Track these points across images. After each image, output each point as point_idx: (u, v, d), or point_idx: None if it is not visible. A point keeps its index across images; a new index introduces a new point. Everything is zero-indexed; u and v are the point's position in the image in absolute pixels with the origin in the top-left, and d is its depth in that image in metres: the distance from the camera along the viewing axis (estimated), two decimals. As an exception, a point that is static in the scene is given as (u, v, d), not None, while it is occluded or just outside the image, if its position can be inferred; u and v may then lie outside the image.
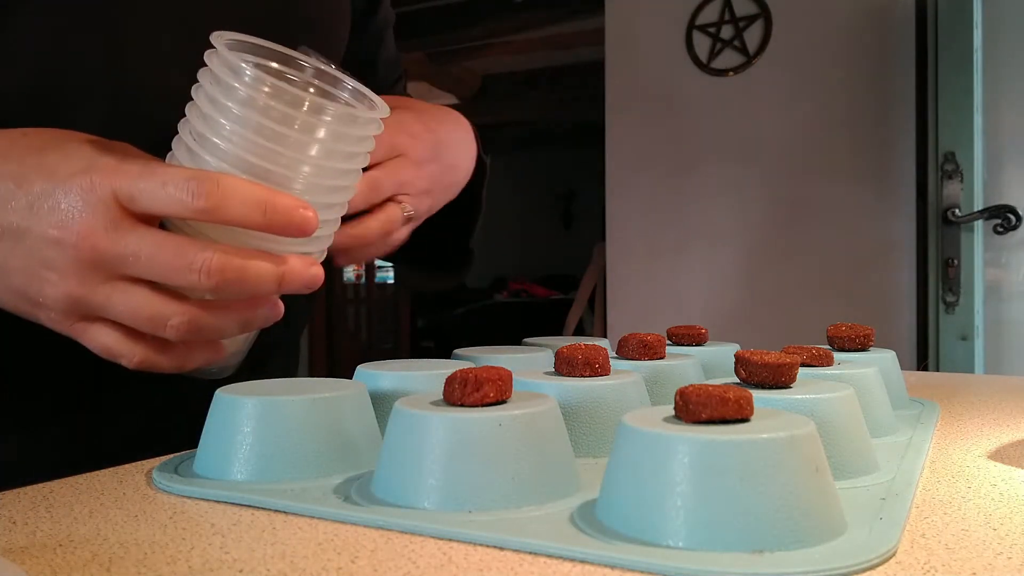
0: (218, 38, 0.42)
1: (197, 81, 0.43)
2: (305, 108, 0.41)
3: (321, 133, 0.42)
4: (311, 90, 0.46)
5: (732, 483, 0.30)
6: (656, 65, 2.43)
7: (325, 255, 0.47)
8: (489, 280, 7.15)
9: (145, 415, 0.57)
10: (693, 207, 2.40)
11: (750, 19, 2.30)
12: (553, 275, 6.86)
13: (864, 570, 0.28)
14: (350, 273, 4.90)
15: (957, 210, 1.95)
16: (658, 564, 0.28)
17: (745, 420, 0.33)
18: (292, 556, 0.31)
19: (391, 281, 4.88)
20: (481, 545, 0.32)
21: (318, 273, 0.44)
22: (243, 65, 0.41)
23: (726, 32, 2.33)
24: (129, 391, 0.56)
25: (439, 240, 0.69)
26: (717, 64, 2.34)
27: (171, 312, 0.41)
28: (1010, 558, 0.29)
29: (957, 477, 0.41)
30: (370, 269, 4.41)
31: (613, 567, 0.29)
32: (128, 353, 0.43)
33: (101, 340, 0.43)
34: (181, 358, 0.44)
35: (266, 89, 0.41)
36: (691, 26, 2.37)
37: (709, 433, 0.31)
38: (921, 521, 0.34)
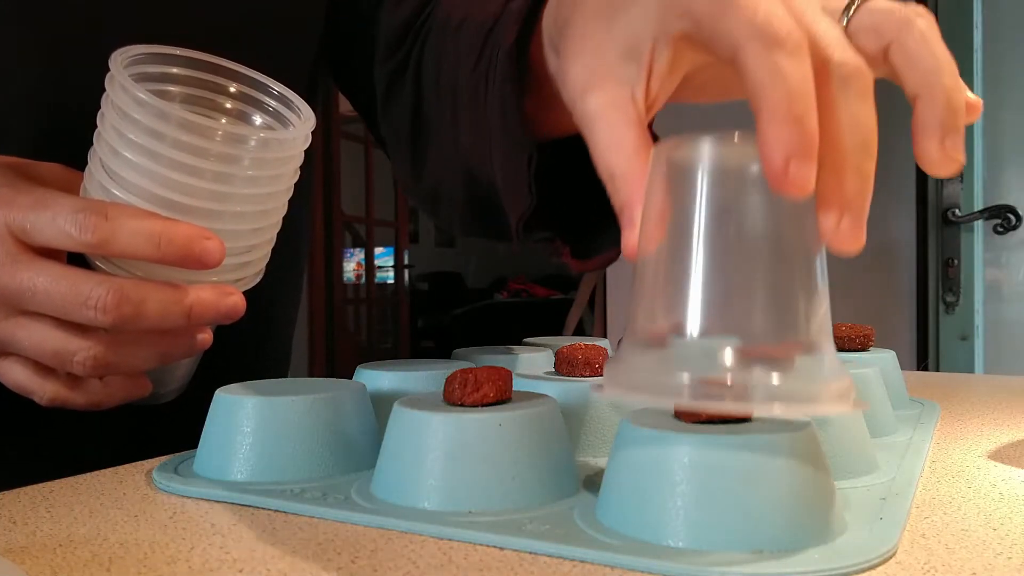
0: (120, 58, 0.40)
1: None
2: (219, 138, 0.39)
3: (241, 163, 0.40)
4: (228, 106, 0.44)
5: (732, 483, 0.30)
6: (656, 65, 2.43)
7: (257, 280, 0.45)
8: (489, 280, 7.15)
9: (144, 415, 0.57)
10: (693, 207, 2.40)
11: (750, 19, 2.30)
12: (553, 275, 6.86)
13: (864, 570, 0.28)
14: (350, 273, 4.90)
15: (957, 210, 1.95)
16: (658, 564, 0.28)
17: (745, 420, 0.33)
18: (292, 556, 0.31)
19: (391, 281, 4.88)
20: (481, 545, 0.32)
21: (236, 303, 0.41)
22: (145, 98, 0.38)
23: (726, 32, 2.32)
24: None
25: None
26: (717, 64, 2.33)
27: (76, 347, 0.40)
28: (1010, 558, 0.29)
29: (957, 477, 0.41)
30: (370, 269, 4.41)
31: (613, 567, 0.29)
32: (38, 390, 0.42)
33: (12, 376, 0.42)
34: (98, 395, 0.43)
35: (175, 123, 0.38)
36: (691, 26, 2.37)
37: (709, 433, 0.31)
38: (921, 521, 0.34)
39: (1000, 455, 0.46)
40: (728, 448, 0.30)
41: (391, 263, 4.81)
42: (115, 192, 0.40)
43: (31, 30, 0.49)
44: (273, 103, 0.46)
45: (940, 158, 0.30)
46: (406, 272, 4.70)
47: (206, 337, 0.44)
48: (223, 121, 0.43)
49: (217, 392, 0.43)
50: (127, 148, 0.39)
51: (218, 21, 0.55)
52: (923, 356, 2.03)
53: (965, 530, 0.33)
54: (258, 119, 0.46)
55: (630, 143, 0.33)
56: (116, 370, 0.42)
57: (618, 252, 0.46)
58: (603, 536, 0.31)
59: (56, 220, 0.38)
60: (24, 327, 0.40)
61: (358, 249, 4.63)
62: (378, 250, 4.59)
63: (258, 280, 0.45)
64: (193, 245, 0.39)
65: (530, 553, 0.31)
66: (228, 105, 0.45)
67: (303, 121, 0.44)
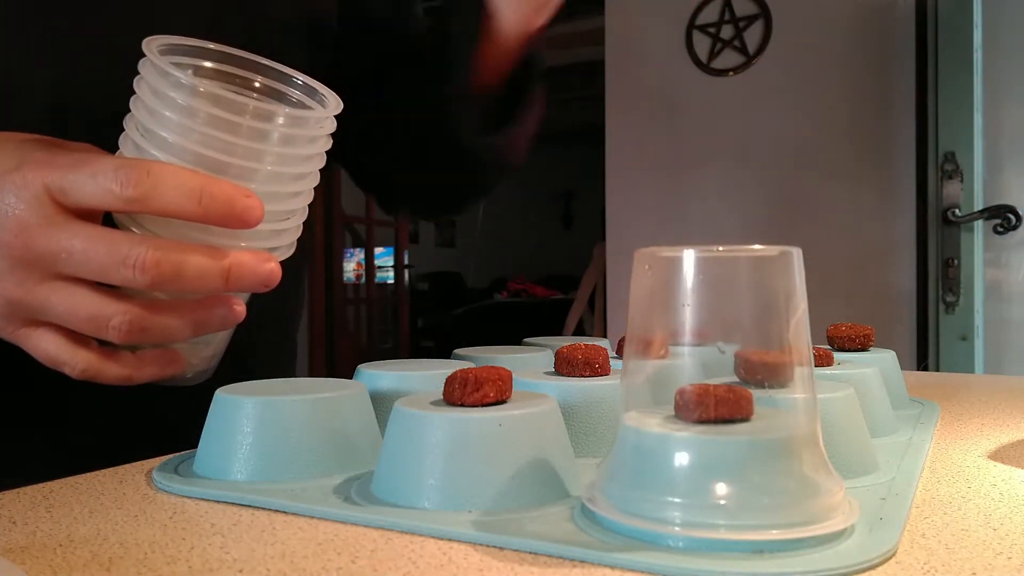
0: (154, 44, 0.40)
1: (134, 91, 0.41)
2: (250, 111, 0.40)
3: (270, 138, 0.40)
4: (257, 85, 0.45)
5: (732, 482, 0.30)
6: (656, 65, 2.43)
7: (291, 250, 0.44)
8: (489, 280, 7.15)
9: (144, 415, 0.57)
10: (693, 207, 2.40)
11: (750, 19, 2.30)
12: (553, 275, 6.86)
13: (864, 570, 0.28)
14: (350, 273, 4.90)
15: (957, 210, 1.95)
16: (658, 564, 0.28)
17: (745, 420, 0.33)
18: (292, 556, 0.31)
19: (391, 281, 4.88)
20: (481, 545, 0.32)
21: (274, 270, 0.41)
22: (180, 77, 0.39)
23: (726, 32, 2.33)
24: (129, 390, 0.56)
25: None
26: (717, 64, 2.34)
27: (112, 311, 0.39)
28: (1010, 558, 0.29)
29: (957, 477, 0.41)
30: (370, 269, 4.41)
31: (613, 567, 0.29)
32: (71, 360, 0.41)
33: (43, 347, 0.41)
34: (130, 367, 0.42)
35: (207, 98, 0.39)
36: (691, 26, 2.37)
37: (709, 433, 0.31)
38: (921, 521, 0.34)
39: (1000, 455, 0.46)
40: (728, 448, 0.30)
41: (391, 263, 4.81)
42: (152, 152, 0.40)
43: (41, 32, 0.50)
44: (298, 93, 0.46)
45: None
46: (406, 272, 4.70)
47: (240, 309, 0.43)
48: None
49: (217, 392, 0.43)
50: (162, 126, 0.39)
51: (225, 25, 0.55)
52: (923, 356, 2.03)
53: (965, 530, 0.33)
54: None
55: None
56: (151, 337, 0.41)
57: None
58: (603, 536, 0.31)
59: (97, 177, 0.38)
60: (58, 291, 0.39)
61: (358, 249, 4.63)
62: (378, 250, 4.59)
63: (291, 252, 0.44)
64: (235, 202, 0.38)
65: (530, 553, 0.31)
66: (254, 97, 0.46)
67: (328, 105, 0.44)
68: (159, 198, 0.38)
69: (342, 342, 4.00)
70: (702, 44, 2.36)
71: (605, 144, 2.53)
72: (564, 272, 6.54)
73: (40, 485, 0.41)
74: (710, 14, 2.36)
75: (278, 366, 0.69)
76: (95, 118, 0.44)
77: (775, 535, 0.29)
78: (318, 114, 0.42)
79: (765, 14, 2.28)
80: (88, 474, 0.43)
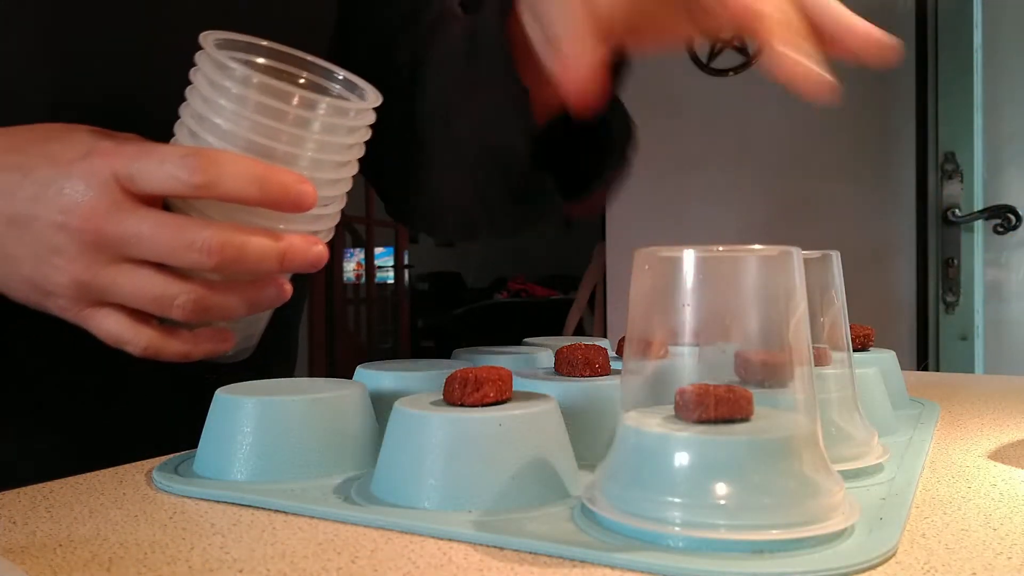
0: (210, 37, 0.43)
1: (188, 82, 0.43)
2: (296, 100, 0.42)
3: (317, 115, 0.43)
4: (302, 80, 0.47)
5: (732, 482, 0.30)
6: (656, 65, 2.43)
7: (331, 235, 0.47)
8: (489, 280, 7.14)
9: (144, 415, 0.57)
10: (693, 207, 2.40)
11: (750, 19, 2.30)
12: (553, 275, 6.86)
13: (864, 570, 0.28)
14: (350, 273, 4.90)
15: (957, 210, 1.95)
16: (658, 564, 0.28)
17: (745, 420, 0.33)
18: (292, 556, 0.31)
19: (391, 281, 4.88)
20: (481, 545, 0.32)
21: (322, 252, 0.44)
22: (234, 68, 0.41)
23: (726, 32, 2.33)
24: (129, 390, 0.56)
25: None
26: (717, 64, 2.33)
27: (177, 291, 0.41)
28: (1010, 558, 0.29)
29: (957, 477, 0.41)
30: (370, 269, 4.41)
31: (613, 567, 0.29)
32: (134, 338, 0.43)
33: (108, 326, 0.43)
34: (188, 344, 0.44)
35: (257, 87, 0.42)
36: (691, 26, 2.37)
37: (709, 433, 0.31)
38: (921, 521, 0.34)
39: (1000, 455, 0.46)
40: (729, 448, 0.30)
41: (391, 263, 4.82)
42: (207, 138, 0.42)
43: (45, 32, 0.50)
44: (339, 88, 0.48)
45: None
46: (406, 272, 4.70)
47: (289, 288, 0.45)
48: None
49: (217, 392, 0.43)
50: (216, 114, 0.42)
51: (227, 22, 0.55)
52: (923, 356, 2.03)
53: (965, 530, 0.32)
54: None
55: (579, 19, 0.41)
56: (211, 315, 0.43)
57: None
58: (603, 536, 0.31)
59: (164, 165, 0.40)
60: (126, 273, 0.41)
61: (358, 249, 4.63)
62: (378, 250, 4.59)
63: (331, 236, 0.47)
64: (291, 188, 0.41)
65: (530, 553, 0.31)
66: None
67: (368, 97, 0.47)
68: (224, 184, 0.40)
69: (342, 342, 4.00)
70: (702, 44, 2.36)
71: (605, 144, 2.53)
72: (564, 272, 6.54)
73: (40, 485, 0.41)
74: (710, 14, 2.35)
75: (280, 366, 0.69)
76: (103, 121, 0.45)
77: (775, 535, 0.29)
78: (358, 105, 0.45)
79: (765, 14, 2.28)
80: (88, 474, 0.43)
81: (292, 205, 0.41)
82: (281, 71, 0.47)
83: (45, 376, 0.53)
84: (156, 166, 0.40)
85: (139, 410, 0.57)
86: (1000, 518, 0.34)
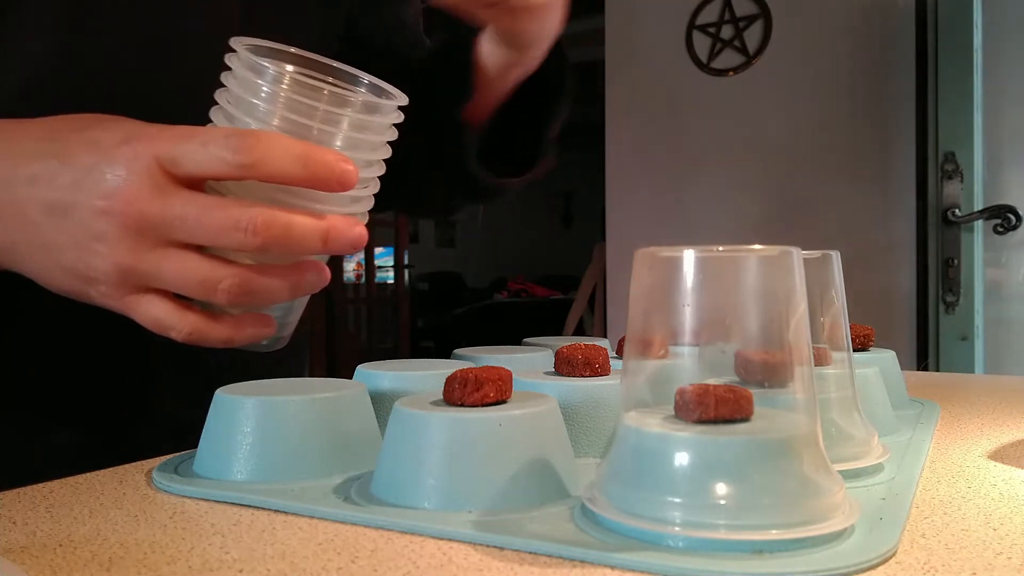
0: (239, 42, 0.43)
1: (218, 81, 0.44)
2: (327, 94, 0.43)
3: (341, 123, 0.43)
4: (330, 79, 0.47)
5: (732, 482, 0.30)
6: (656, 65, 2.43)
7: (366, 219, 0.47)
8: (489, 280, 7.15)
9: (146, 414, 0.57)
10: (693, 207, 2.40)
11: (750, 19, 2.30)
12: (553, 275, 6.86)
13: (864, 570, 0.28)
14: (350, 273, 4.90)
15: (957, 210, 1.95)
16: (658, 564, 0.28)
17: (745, 420, 0.33)
18: (292, 556, 0.31)
19: (391, 281, 4.88)
20: (481, 545, 0.32)
21: (363, 233, 0.44)
22: (267, 66, 0.42)
23: (726, 32, 2.33)
24: (130, 390, 0.56)
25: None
26: (717, 64, 2.34)
27: (222, 275, 0.41)
28: (1010, 558, 0.29)
29: (957, 477, 0.41)
30: (370, 269, 4.41)
31: (613, 567, 0.29)
32: (179, 324, 0.42)
33: (152, 312, 0.42)
34: (231, 329, 0.44)
35: (292, 71, 0.43)
36: (691, 26, 2.37)
37: (709, 433, 0.31)
38: (921, 521, 0.34)
39: (1000, 455, 0.46)
40: (728, 447, 0.30)
41: (391, 263, 4.81)
42: (245, 119, 0.42)
43: (68, 31, 0.50)
44: (364, 91, 0.48)
45: None
46: (406, 272, 4.69)
47: (327, 273, 0.45)
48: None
49: (217, 392, 0.43)
50: (254, 95, 0.42)
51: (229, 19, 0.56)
52: (923, 356, 2.03)
53: (965, 530, 0.33)
54: None
55: None
56: (255, 299, 0.42)
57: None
58: (603, 536, 0.31)
59: (208, 146, 0.39)
60: (170, 257, 0.41)
61: (358, 249, 4.62)
62: (378, 250, 4.59)
63: (366, 220, 0.46)
64: (334, 166, 0.41)
65: (530, 553, 0.31)
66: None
67: (394, 98, 0.47)
68: (269, 163, 0.39)
69: (342, 342, 4.00)
70: (702, 44, 2.36)
71: (605, 144, 2.53)
72: (564, 272, 6.54)
73: (40, 485, 0.41)
74: (710, 14, 2.36)
75: (281, 366, 0.69)
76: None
77: (775, 535, 0.29)
78: (391, 90, 0.46)
79: (765, 14, 2.28)
80: (88, 474, 0.43)
81: (336, 183, 0.41)
82: (310, 69, 0.47)
83: (45, 375, 0.53)
84: (199, 148, 0.40)
85: (140, 410, 0.57)
86: (1000, 518, 0.34)
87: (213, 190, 0.42)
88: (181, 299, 0.43)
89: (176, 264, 0.41)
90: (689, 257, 0.32)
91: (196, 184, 0.41)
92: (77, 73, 0.50)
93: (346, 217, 0.43)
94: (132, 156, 0.40)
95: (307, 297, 0.48)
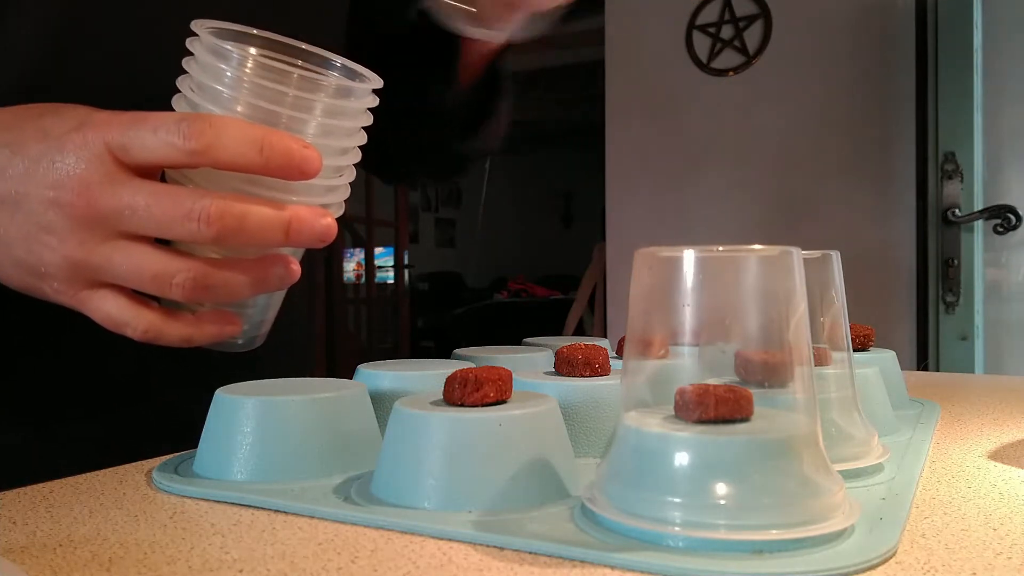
0: (203, 24, 0.41)
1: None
2: (295, 81, 0.40)
3: (314, 109, 0.41)
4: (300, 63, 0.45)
5: (732, 482, 0.30)
6: (656, 65, 2.43)
7: (341, 211, 0.44)
8: (489, 280, 7.15)
9: (146, 414, 0.57)
10: (693, 207, 2.40)
11: (750, 19, 2.30)
12: (553, 275, 6.86)
13: (864, 570, 0.28)
14: (350, 273, 4.90)
15: (957, 210, 1.95)
16: (658, 564, 0.28)
17: (745, 420, 0.33)
18: (292, 556, 0.31)
19: (391, 281, 4.88)
20: (481, 545, 0.32)
21: (331, 224, 0.41)
22: (231, 49, 0.40)
23: (726, 32, 2.33)
24: (129, 389, 0.56)
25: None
26: (717, 64, 2.34)
27: (176, 268, 0.39)
28: (1010, 558, 0.29)
29: (957, 477, 0.41)
30: (370, 269, 4.41)
31: (613, 567, 0.29)
32: (133, 321, 0.41)
33: (105, 308, 0.40)
34: (191, 328, 0.42)
35: (257, 53, 0.40)
36: (691, 26, 2.38)
37: (709, 433, 0.31)
38: (921, 521, 0.34)
39: (1000, 455, 0.46)
40: (728, 447, 0.30)
41: (391, 263, 4.81)
42: (208, 106, 0.40)
43: (93, 25, 0.50)
44: (336, 75, 0.46)
45: None
46: (406, 272, 4.70)
47: (297, 268, 0.43)
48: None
49: (217, 392, 0.43)
50: (217, 80, 0.40)
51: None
52: (923, 356, 2.03)
53: (965, 530, 0.33)
54: None
55: None
56: (213, 294, 0.40)
57: None
58: (603, 536, 0.31)
59: (158, 132, 0.38)
60: (121, 250, 0.39)
61: (358, 249, 4.63)
62: (378, 250, 4.59)
63: (341, 212, 0.44)
64: (294, 152, 0.38)
65: (530, 553, 0.31)
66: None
67: (368, 81, 0.45)
68: (222, 149, 0.38)
69: (342, 342, 4.00)
70: (702, 44, 2.36)
71: (605, 144, 2.53)
72: (564, 272, 6.55)
73: (40, 485, 0.41)
74: (710, 14, 2.36)
75: (282, 366, 0.69)
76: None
77: (775, 535, 0.29)
78: (366, 72, 0.44)
79: (765, 14, 2.28)
80: (88, 474, 0.43)
81: (296, 171, 0.39)
82: (279, 53, 0.45)
83: (45, 375, 0.53)
84: (150, 133, 0.38)
85: (140, 409, 0.57)
86: (1000, 518, 0.34)
87: (175, 180, 0.40)
88: (139, 295, 0.41)
89: (128, 257, 0.39)
90: (689, 257, 0.32)
91: (151, 172, 0.40)
92: (75, 68, 0.50)
93: (311, 208, 0.40)
94: (82, 143, 0.38)
95: (282, 293, 0.46)
